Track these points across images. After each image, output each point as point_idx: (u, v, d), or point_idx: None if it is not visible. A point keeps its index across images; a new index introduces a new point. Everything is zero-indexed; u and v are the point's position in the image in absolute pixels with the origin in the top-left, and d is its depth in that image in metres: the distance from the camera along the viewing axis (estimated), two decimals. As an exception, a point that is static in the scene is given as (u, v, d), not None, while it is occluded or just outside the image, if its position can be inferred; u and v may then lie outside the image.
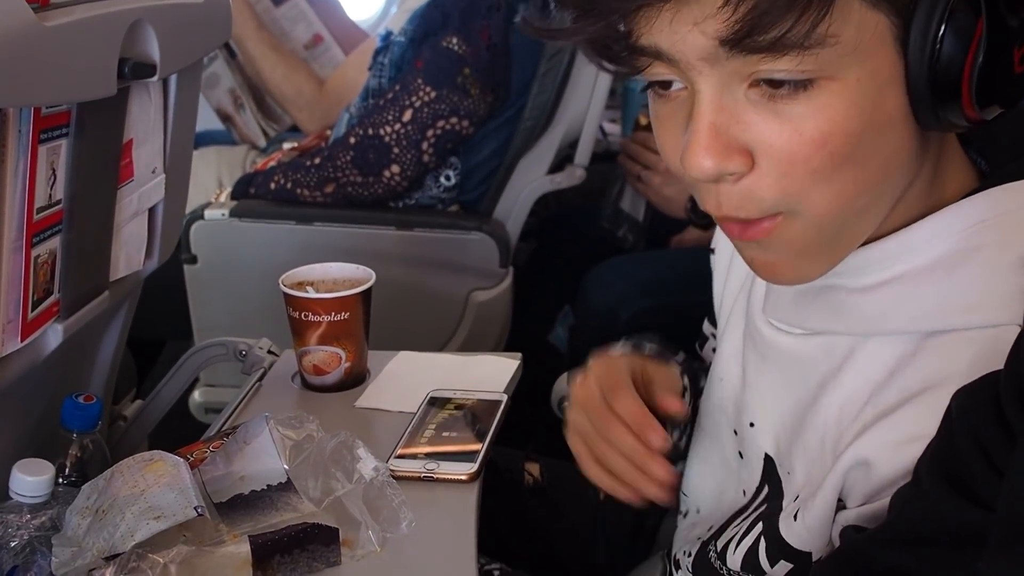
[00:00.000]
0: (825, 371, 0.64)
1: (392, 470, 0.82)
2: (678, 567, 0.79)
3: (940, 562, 0.50)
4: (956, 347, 0.58)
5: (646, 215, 1.81)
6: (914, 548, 0.52)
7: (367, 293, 1.00)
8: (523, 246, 1.89)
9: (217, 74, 2.03)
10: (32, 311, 0.76)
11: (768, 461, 0.71)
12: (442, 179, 1.63)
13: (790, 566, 0.66)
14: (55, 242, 0.78)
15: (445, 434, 0.91)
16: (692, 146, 0.54)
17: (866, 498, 0.60)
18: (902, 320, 0.60)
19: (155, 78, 0.82)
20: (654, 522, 0.99)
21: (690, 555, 0.76)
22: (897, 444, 0.57)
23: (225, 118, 2.07)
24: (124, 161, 0.87)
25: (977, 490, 0.48)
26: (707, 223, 1.58)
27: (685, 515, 0.82)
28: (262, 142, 2.05)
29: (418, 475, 0.84)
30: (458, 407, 0.95)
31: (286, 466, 0.76)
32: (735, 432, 0.76)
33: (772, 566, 0.67)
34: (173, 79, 0.91)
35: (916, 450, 0.55)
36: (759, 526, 0.69)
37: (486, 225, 1.61)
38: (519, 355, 1.09)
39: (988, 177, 0.62)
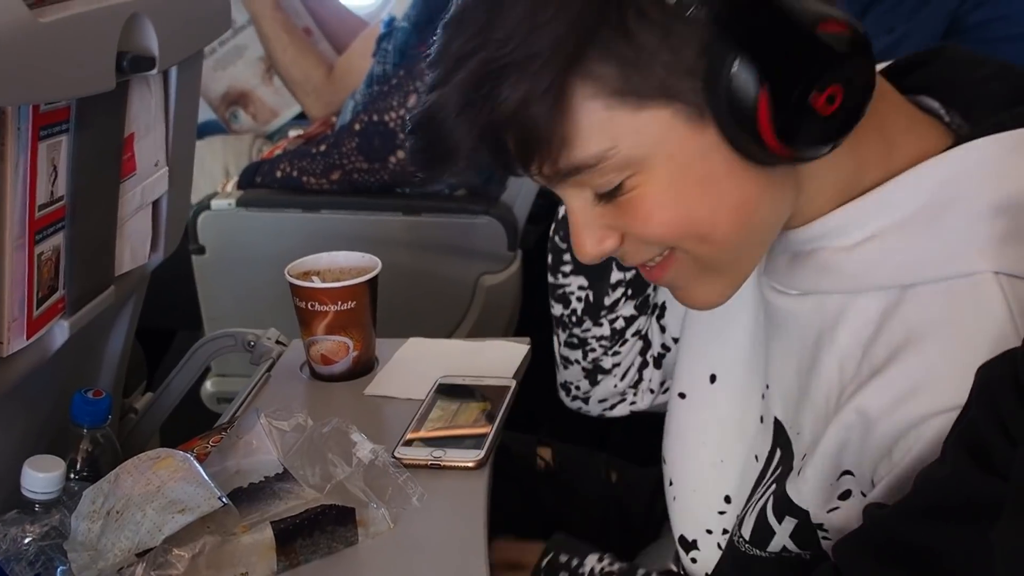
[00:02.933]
0: (820, 330, 0.66)
1: (398, 458, 0.82)
2: (691, 547, 0.79)
3: (957, 534, 0.50)
4: (935, 298, 0.60)
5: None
6: (932, 521, 0.52)
7: (373, 281, 1.00)
8: (532, 229, 1.88)
9: (242, 45, 2.01)
10: (37, 308, 0.76)
11: (778, 424, 0.72)
12: (448, 164, 1.62)
13: (795, 522, 0.68)
14: (58, 239, 0.78)
15: (453, 421, 0.91)
16: (574, 241, 0.65)
17: (864, 455, 0.62)
18: (883, 275, 0.63)
19: (155, 71, 0.81)
20: (666, 504, 0.99)
21: (711, 532, 0.77)
22: (893, 402, 0.59)
23: (233, 101, 2.05)
24: (126, 155, 0.87)
25: (995, 461, 0.48)
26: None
27: (671, 483, 0.83)
28: (289, 112, 2.02)
29: (425, 463, 0.84)
30: (467, 393, 0.95)
31: (280, 457, 0.77)
32: (711, 380, 0.77)
33: (780, 522, 0.69)
34: (173, 71, 0.91)
35: (911, 407, 0.58)
36: (773, 487, 0.70)
37: (493, 208, 1.60)
38: (528, 340, 1.09)
39: (964, 134, 0.64)
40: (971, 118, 0.66)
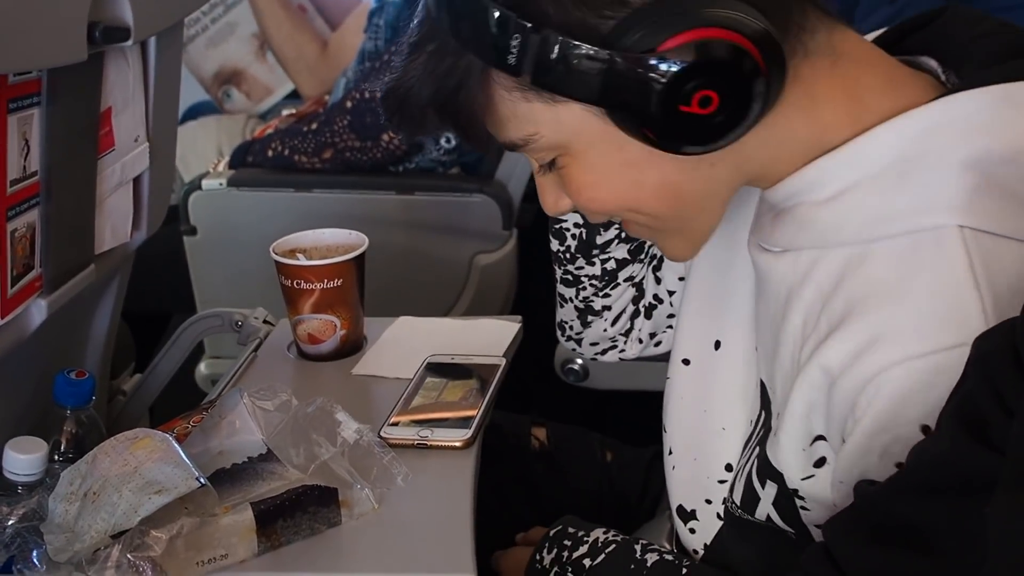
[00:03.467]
0: (791, 286, 0.67)
1: (384, 438, 0.81)
2: (689, 517, 0.78)
3: (952, 510, 0.49)
4: (897, 251, 0.60)
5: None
6: (927, 497, 0.51)
7: (360, 259, 0.98)
8: (527, 207, 1.86)
9: (233, 22, 1.99)
10: (12, 287, 0.75)
11: (762, 385, 0.73)
12: (441, 141, 1.60)
13: (776, 488, 0.68)
14: (33, 215, 0.76)
15: (441, 400, 0.89)
16: (540, 197, 0.71)
17: (832, 416, 0.62)
18: (852, 228, 0.63)
19: (130, 42, 0.79)
20: (661, 482, 0.99)
21: (711, 502, 0.77)
22: (852, 355, 0.59)
23: (226, 80, 2.03)
24: (103, 130, 0.85)
25: (991, 434, 0.47)
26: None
27: (670, 452, 0.82)
28: (283, 89, 2.00)
29: (412, 443, 0.82)
30: (456, 372, 0.93)
31: (264, 437, 0.75)
32: (716, 346, 0.78)
33: (763, 487, 0.69)
34: (152, 43, 0.89)
35: (870, 359, 0.58)
36: (756, 450, 0.71)
37: (488, 187, 1.59)
38: (519, 318, 1.07)
39: (951, 90, 0.63)
40: (960, 76, 0.65)
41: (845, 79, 0.63)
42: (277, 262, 0.97)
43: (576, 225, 0.90)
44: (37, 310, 0.80)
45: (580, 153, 0.65)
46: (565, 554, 0.78)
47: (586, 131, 0.63)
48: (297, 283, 0.97)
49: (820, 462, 0.64)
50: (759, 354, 0.73)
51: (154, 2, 0.83)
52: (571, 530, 0.81)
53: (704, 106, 0.59)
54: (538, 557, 0.80)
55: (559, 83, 0.60)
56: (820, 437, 0.64)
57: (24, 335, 0.79)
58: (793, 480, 0.66)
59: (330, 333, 0.98)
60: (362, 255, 0.98)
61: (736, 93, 0.59)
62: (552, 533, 0.81)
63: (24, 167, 0.73)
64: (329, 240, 1.02)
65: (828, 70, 0.63)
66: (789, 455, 0.66)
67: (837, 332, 0.60)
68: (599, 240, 0.90)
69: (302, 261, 0.97)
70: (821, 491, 0.65)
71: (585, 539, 0.80)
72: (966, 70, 0.64)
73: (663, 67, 0.57)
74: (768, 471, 0.68)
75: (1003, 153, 0.59)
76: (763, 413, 0.72)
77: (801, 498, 0.67)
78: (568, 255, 0.91)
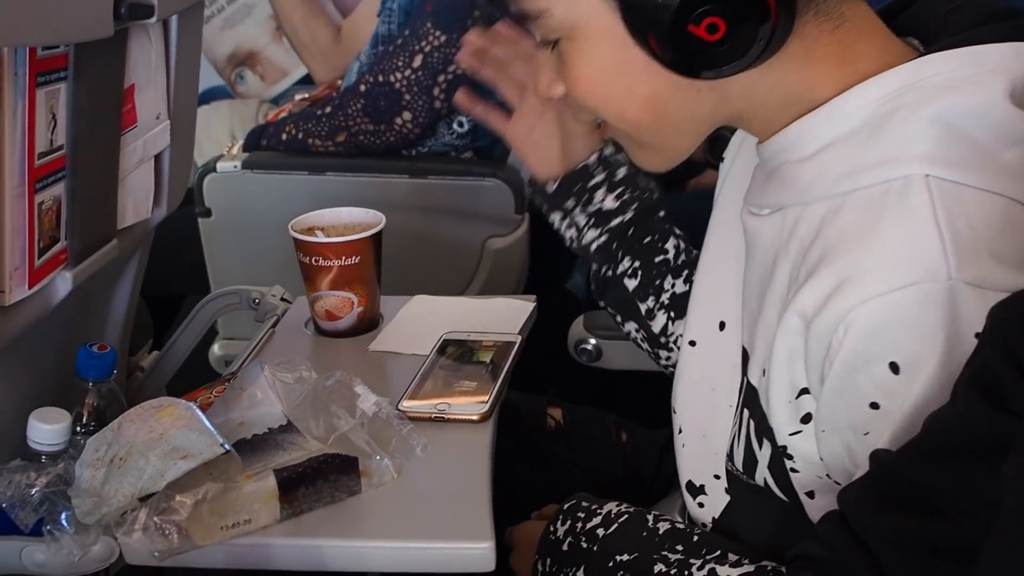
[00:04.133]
0: (777, 245, 0.69)
1: (403, 411, 0.82)
2: (698, 492, 0.79)
3: (964, 474, 0.50)
4: (867, 201, 0.63)
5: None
6: (941, 462, 0.52)
7: (377, 237, 0.99)
8: (539, 192, 1.87)
9: (250, 3, 1.99)
10: (39, 258, 0.76)
11: (743, 353, 0.74)
12: (455, 125, 1.61)
13: (771, 448, 0.70)
14: (59, 188, 0.77)
15: (458, 375, 0.90)
16: (538, 75, 0.75)
17: (810, 362, 0.64)
18: (828, 183, 0.65)
19: (154, 19, 0.80)
20: (674, 464, 1.00)
21: (719, 477, 0.78)
22: (823, 298, 0.62)
23: (240, 62, 2.03)
24: (127, 107, 0.86)
25: (1007, 399, 0.48)
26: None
27: (680, 431, 0.84)
28: (298, 72, 2.01)
29: (429, 416, 0.83)
30: (472, 349, 0.94)
31: (284, 409, 0.77)
32: (720, 327, 0.80)
33: (760, 448, 0.71)
34: (174, 21, 0.90)
35: (839, 300, 0.61)
36: (746, 412, 0.72)
37: (500, 171, 1.59)
38: (534, 297, 1.08)
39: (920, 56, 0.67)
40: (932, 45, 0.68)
41: (843, 44, 0.66)
42: (296, 239, 0.99)
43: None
44: (62, 282, 0.81)
45: (584, 43, 0.68)
46: (579, 525, 0.80)
47: (596, 21, 0.66)
48: (315, 260, 0.98)
49: (806, 418, 0.66)
50: (743, 322, 0.75)
51: (177, -20, 0.84)
52: (585, 504, 0.83)
53: (710, 32, 0.62)
54: (552, 529, 0.82)
55: None
56: (804, 391, 0.65)
57: (49, 307, 0.80)
58: (782, 436, 0.68)
59: (347, 310, 0.99)
60: (379, 233, 0.99)
61: (742, 31, 0.62)
62: (566, 507, 0.82)
63: (51, 140, 0.75)
64: (346, 219, 1.03)
65: (829, 34, 0.66)
66: (778, 408, 0.68)
67: (811, 279, 0.63)
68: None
69: (320, 238, 0.99)
70: (808, 447, 0.67)
71: (598, 511, 0.81)
72: (940, 38, 0.67)
73: None
74: (766, 430, 0.70)
75: (969, 108, 0.62)
76: (744, 378, 0.73)
77: (790, 456, 0.68)
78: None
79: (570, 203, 0.92)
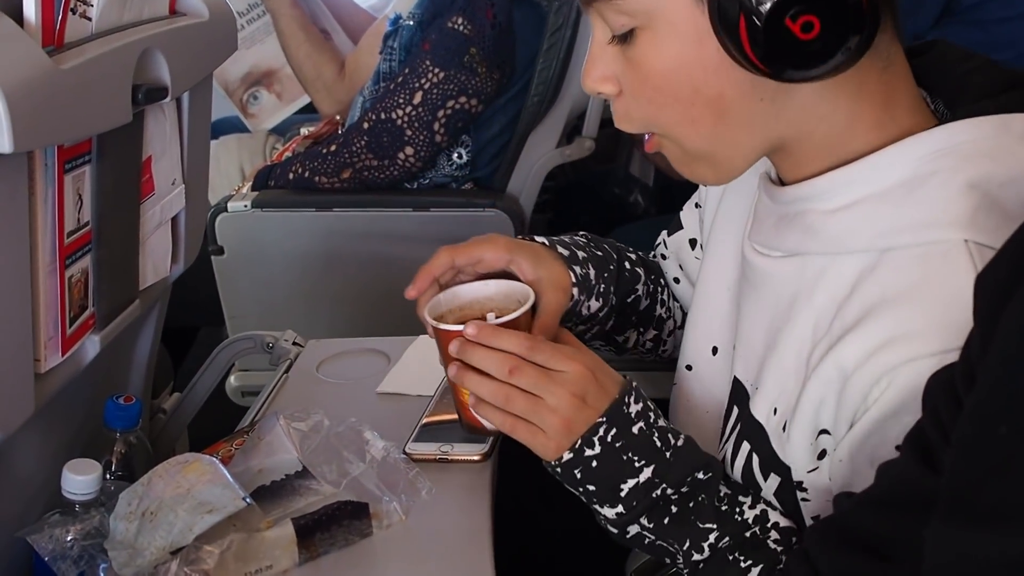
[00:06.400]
0: (799, 290, 0.71)
1: (408, 453, 0.88)
2: None
3: (905, 524, 0.55)
4: (909, 261, 0.65)
5: (656, 179, 1.83)
6: (888, 512, 0.57)
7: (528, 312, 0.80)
8: (539, 218, 1.92)
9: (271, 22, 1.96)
10: (70, 327, 0.82)
11: (736, 383, 0.77)
12: (454, 157, 1.67)
13: (779, 480, 0.73)
14: (86, 261, 0.83)
15: (460, 416, 0.95)
16: (584, 68, 0.73)
17: (841, 410, 0.66)
18: (864, 238, 0.68)
19: (168, 99, 0.86)
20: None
21: None
22: (868, 352, 0.64)
23: (255, 82, 2.03)
24: (145, 177, 0.92)
25: (936, 458, 0.52)
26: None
27: None
28: (300, 100, 2.02)
29: (434, 457, 0.89)
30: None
31: (299, 456, 0.83)
32: (713, 352, 0.82)
33: (765, 480, 0.73)
34: (186, 95, 0.96)
35: (885, 355, 0.63)
36: (745, 445, 0.75)
37: (500, 201, 1.65)
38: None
39: (947, 118, 0.69)
40: (953, 106, 0.71)
41: (887, 87, 0.69)
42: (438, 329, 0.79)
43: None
44: (91, 345, 0.87)
45: (660, 32, 0.67)
46: (651, 416, 0.75)
47: (676, 10, 0.66)
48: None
49: (821, 455, 0.69)
50: (736, 352, 0.78)
51: (188, 61, 0.90)
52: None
53: (804, 31, 0.62)
54: (625, 401, 0.74)
55: None
56: (824, 431, 0.68)
57: (79, 369, 0.86)
58: (799, 473, 0.71)
59: None
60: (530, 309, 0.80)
61: (834, 34, 0.62)
62: (635, 384, 0.76)
63: (78, 219, 0.81)
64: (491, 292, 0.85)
65: (879, 72, 0.68)
66: (798, 450, 0.70)
67: (852, 333, 0.65)
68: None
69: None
70: (821, 480, 0.70)
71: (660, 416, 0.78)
72: (961, 100, 0.70)
73: None
74: (774, 465, 0.73)
75: (1002, 176, 0.65)
76: (735, 408, 0.76)
77: (804, 489, 0.71)
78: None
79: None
